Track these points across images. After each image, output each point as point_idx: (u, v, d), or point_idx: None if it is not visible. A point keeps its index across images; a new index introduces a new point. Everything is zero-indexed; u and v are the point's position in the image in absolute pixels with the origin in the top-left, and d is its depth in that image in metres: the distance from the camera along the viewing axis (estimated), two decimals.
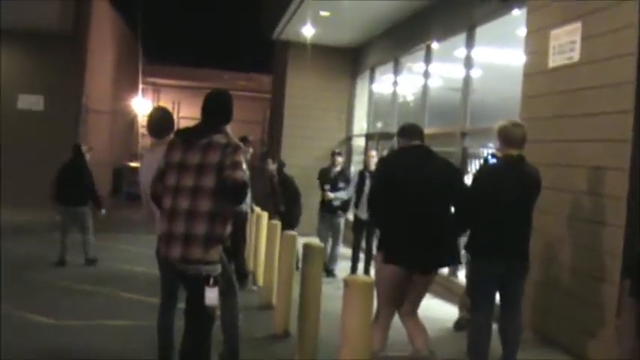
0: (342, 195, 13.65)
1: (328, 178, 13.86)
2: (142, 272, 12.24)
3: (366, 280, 5.46)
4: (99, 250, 13.48)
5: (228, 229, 5.75)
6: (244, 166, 5.81)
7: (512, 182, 7.12)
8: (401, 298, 6.92)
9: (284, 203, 13.51)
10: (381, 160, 8.66)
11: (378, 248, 7.20)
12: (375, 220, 8.18)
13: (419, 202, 6.84)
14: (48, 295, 10.34)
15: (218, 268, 5.68)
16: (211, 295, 5.61)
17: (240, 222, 11.00)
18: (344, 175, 14.21)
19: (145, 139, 37.93)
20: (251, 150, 12.66)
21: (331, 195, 13.65)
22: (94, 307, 9.95)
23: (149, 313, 7.19)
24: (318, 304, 7.31)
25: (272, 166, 13.60)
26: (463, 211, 7.15)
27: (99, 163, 24.05)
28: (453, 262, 7.85)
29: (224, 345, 7.08)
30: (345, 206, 13.81)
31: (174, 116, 8.04)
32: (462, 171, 7.00)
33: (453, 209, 7.11)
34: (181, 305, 6.06)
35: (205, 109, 5.98)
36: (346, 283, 5.44)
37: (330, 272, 13.34)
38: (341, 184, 13.76)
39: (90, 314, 9.46)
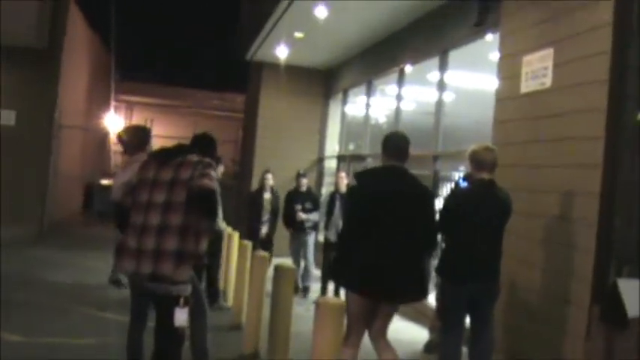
0: (314, 217, 13.68)
1: (297, 201, 13.86)
2: (112, 290, 12.18)
3: (337, 303, 5.46)
4: (69, 267, 13.37)
5: (203, 246, 5.73)
6: (214, 180, 5.80)
7: (484, 205, 7.17)
8: (369, 319, 6.88)
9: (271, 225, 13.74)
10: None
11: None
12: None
13: (387, 230, 6.66)
14: (18, 312, 10.25)
15: (188, 288, 5.66)
16: (181, 317, 5.59)
17: (216, 239, 11.02)
18: (310, 196, 14.24)
19: (116, 157, 37.80)
20: (222, 168, 12.69)
21: (303, 216, 13.66)
22: (64, 324, 9.88)
23: (119, 331, 7.15)
24: (288, 325, 7.29)
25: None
26: (432, 233, 7.12)
27: (70, 179, 24.00)
28: (420, 296, 7.07)
29: None
30: (314, 226, 13.84)
31: None
32: (433, 194, 6.91)
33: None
34: (151, 324, 6.04)
35: (194, 143, 6.14)
36: (317, 305, 5.44)
37: (306, 289, 13.41)
38: (308, 205, 13.78)
39: (59, 332, 9.38)
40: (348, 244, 6.86)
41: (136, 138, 7.37)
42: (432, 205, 7.00)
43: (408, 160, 7.00)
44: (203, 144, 6.26)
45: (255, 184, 17.88)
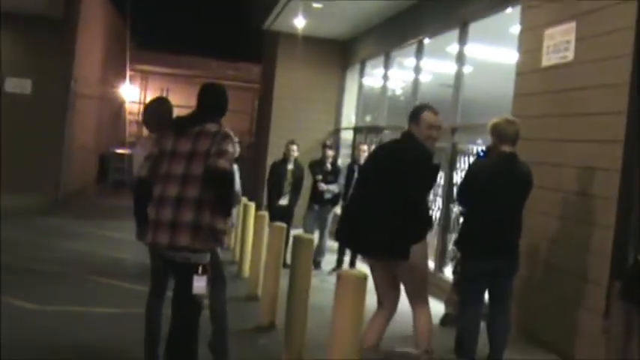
0: (334, 188, 13.56)
1: (319, 171, 13.75)
2: (127, 259, 12.20)
3: (359, 274, 5.43)
4: (83, 236, 13.36)
5: (220, 220, 5.69)
6: (234, 154, 5.73)
7: (505, 179, 7.12)
8: (387, 282, 6.86)
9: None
10: None
11: None
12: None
13: (371, 188, 6.81)
14: (33, 281, 10.27)
15: (207, 257, 5.65)
16: (199, 284, 5.57)
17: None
18: (335, 168, 14.11)
19: (132, 127, 37.82)
20: (238, 148, 12.79)
21: (324, 187, 13.53)
22: (80, 293, 9.91)
23: (134, 300, 7.16)
24: (306, 297, 7.27)
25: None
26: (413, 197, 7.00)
27: (85, 148, 24.02)
28: (388, 254, 6.74)
29: (212, 335, 7.04)
30: (335, 200, 13.72)
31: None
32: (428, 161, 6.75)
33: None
34: (170, 293, 6.03)
35: (200, 102, 5.95)
36: (338, 277, 5.42)
37: (317, 264, 13.31)
38: (331, 177, 13.66)
39: (75, 301, 9.41)
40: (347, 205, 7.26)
41: (154, 113, 7.16)
42: (421, 170, 6.83)
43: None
44: (212, 103, 6.04)
45: (271, 156, 17.85)
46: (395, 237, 6.53)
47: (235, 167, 12.91)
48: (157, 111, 7.11)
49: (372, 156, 7.71)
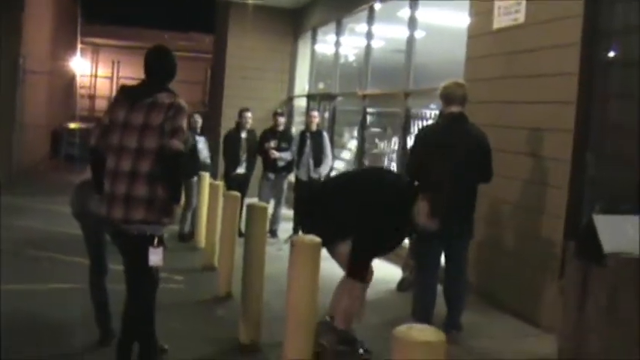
0: (286, 155, 13.50)
1: (271, 139, 13.67)
2: (79, 235, 12.07)
3: (312, 241, 5.40)
4: (37, 213, 13.18)
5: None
6: (184, 133, 5.60)
7: (454, 138, 7.13)
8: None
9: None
10: None
11: None
12: None
13: None
14: None
15: (162, 229, 5.58)
16: (155, 257, 5.50)
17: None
18: (287, 135, 14.03)
19: (83, 101, 37.45)
20: (200, 120, 12.84)
21: (276, 154, 13.46)
22: (33, 270, 9.79)
23: (86, 275, 7.07)
24: (262, 266, 7.22)
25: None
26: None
27: (37, 124, 23.70)
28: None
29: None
30: (289, 167, 13.68)
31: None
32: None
33: None
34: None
35: (147, 67, 5.82)
36: (292, 243, 5.39)
37: (273, 233, 13.30)
38: (284, 145, 13.60)
39: (29, 278, 9.30)
40: None
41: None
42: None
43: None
44: (159, 68, 5.85)
45: (224, 125, 17.73)
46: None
47: (202, 139, 12.86)
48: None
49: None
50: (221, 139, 14.35)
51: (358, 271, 6.54)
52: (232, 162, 13.51)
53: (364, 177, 7.36)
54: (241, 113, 13.65)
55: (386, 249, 6.87)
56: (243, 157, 13.52)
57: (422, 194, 6.44)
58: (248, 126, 13.59)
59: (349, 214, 6.53)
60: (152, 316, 5.74)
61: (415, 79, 12.49)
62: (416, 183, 6.78)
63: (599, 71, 7.69)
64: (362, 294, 6.74)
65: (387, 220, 6.48)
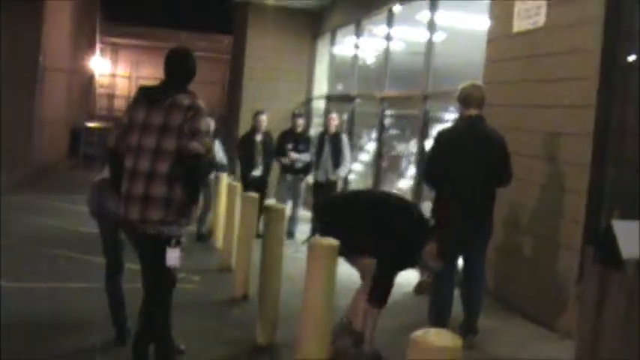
0: (305, 157, 13.50)
1: (289, 141, 13.68)
2: (96, 234, 12.09)
3: (330, 243, 5.40)
4: (55, 211, 13.21)
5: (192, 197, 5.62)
6: (204, 135, 5.59)
7: (473, 140, 7.11)
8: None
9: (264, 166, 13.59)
10: None
11: None
12: None
13: None
14: (7, 259, 10.15)
15: (180, 230, 5.58)
16: (173, 257, 5.50)
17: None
18: (305, 137, 14.05)
19: (102, 100, 37.58)
20: (213, 124, 12.82)
21: (294, 156, 13.47)
22: (50, 269, 9.80)
23: (103, 274, 7.08)
24: (279, 267, 7.22)
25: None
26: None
27: (56, 122, 23.77)
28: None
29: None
30: (306, 169, 13.67)
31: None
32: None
33: None
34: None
35: (167, 68, 5.82)
36: (310, 245, 5.39)
37: (290, 234, 13.29)
38: (302, 147, 13.60)
39: (46, 276, 9.32)
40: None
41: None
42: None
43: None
44: (178, 69, 5.86)
45: (242, 127, 17.74)
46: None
47: (217, 142, 12.89)
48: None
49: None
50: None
51: (379, 299, 6.54)
52: (248, 164, 13.52)
53: (381, 205, 7.20)
54: (256, 116, 13.69)
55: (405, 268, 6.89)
56: (259, 159, 13.52)
57: (433, 235, 6.44)
58: (263, 129, 13.60)
59: (365, 238, 6.54)
60: (168, 317, 5.74)
61: (434, 82, 12.46)
62: (432, 191, 6.78)
63: (619, 75, 7.65)
64: (377, 318, 6.71)
65: (404, 249, 6.52)
